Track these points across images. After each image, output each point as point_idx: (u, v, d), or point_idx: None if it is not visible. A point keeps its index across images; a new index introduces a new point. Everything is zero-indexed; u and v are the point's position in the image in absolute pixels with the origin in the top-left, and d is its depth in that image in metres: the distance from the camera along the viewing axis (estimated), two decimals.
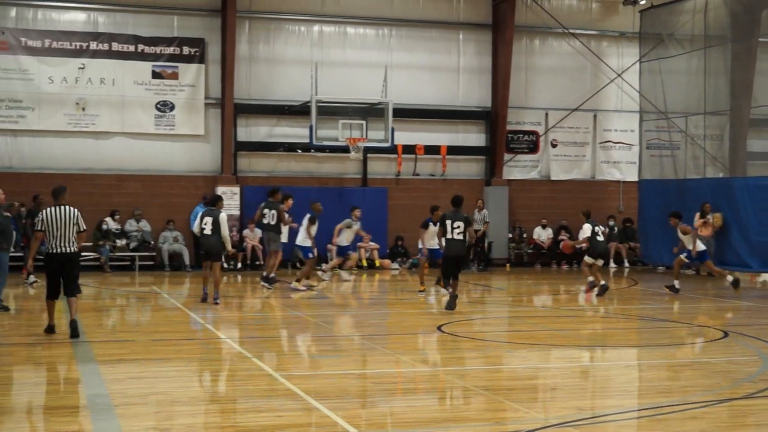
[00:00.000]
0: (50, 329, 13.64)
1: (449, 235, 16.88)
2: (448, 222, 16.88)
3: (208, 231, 17.78)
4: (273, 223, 20.40)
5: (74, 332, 13.25)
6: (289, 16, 27.77)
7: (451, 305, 16.79)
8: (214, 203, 18.36)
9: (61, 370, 11.27)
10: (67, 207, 13.54)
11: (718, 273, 21.61)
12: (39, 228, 13.53)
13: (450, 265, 17.11)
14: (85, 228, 13.71)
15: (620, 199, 30.56)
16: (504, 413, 9.05)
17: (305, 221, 20.95)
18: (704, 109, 26.44)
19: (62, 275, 13.55)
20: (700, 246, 20.83)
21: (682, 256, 20.92)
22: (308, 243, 20.99)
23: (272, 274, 20.49)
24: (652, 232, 27.87)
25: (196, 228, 18.22)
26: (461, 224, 16.85)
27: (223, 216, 17.90)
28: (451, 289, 16.93)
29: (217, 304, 17.54)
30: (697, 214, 24.84)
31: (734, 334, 14.38)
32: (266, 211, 20.47)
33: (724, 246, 24.96)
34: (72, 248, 13.50)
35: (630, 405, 9.62)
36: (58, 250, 13.42)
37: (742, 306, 19.23)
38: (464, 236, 16.96)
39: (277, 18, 27.69)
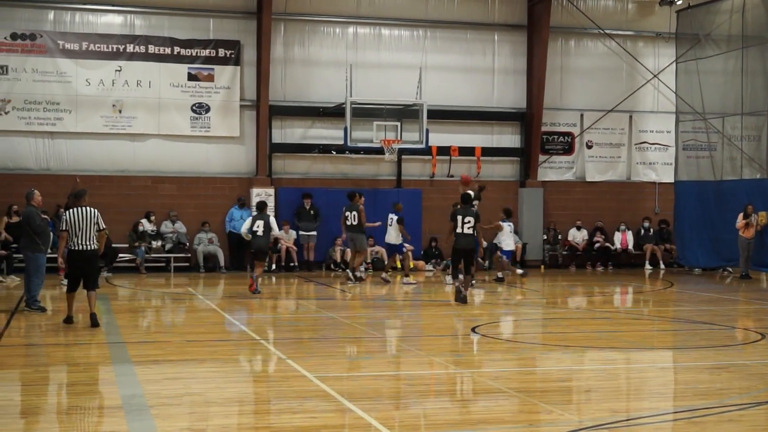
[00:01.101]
0: (69, 319, 14.85)
1: (459, 230, 18.07)
2: (459, 217, 18.11)
3: (260, 233, 19.73)
4: (355, 223, 22.77)
5: (94, 323, 14.53)
6: (324, 17, 27.83)
7: (463, 299, 17.95)
8: (261, 209, 20.10)
9: (96, 370, 11.34)
10: (87, 208, 14.82)
11: (512, 270, 23.94)
12: (63, 228, 14.86)
13: (459, 257, 18.18)
14: (104, 227, 14.97)
15: (656, 200, 30.38)
16: (538, 415, 9.01)
17: (394, 222, 23.30)
18: (741, 109, 26.24)
19: (83, 271, 14.87)
20: (510, 245, 23.46)
21: (499, 253, 23.48)
22: (399, 240, 23.44)
23: (357, 273, 22.94)
24: (688, 234, 27.71)
25: (244, 230, 20.12)
26: (471, 219, 18.11)
27: (272, 219, 20.20)
28: (458, 284, 18.09)
29: (259, 292, 19.61)
30: (740, 215, 24.68)
31: None
32: (348, 213, 22.83)
33: (761, 248, 24.75)
34: (92, 246, 14.80)
35: (665, 407, 9.54)
36: (80, 247, 14.76)
37: None
38: (473, 231, 18.15)
39: (312, 20, 27.75)
